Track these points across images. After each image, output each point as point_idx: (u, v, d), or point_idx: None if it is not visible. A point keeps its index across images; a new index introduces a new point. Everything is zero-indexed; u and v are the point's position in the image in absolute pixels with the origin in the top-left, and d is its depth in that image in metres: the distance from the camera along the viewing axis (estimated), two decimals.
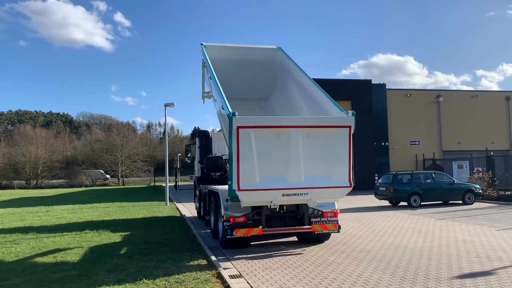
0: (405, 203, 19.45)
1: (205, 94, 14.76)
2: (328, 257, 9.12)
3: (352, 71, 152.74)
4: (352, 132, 9.43)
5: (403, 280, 7.17)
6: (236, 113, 8.88)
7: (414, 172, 20.38)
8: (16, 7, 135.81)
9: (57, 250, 10.10)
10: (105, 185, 71.38)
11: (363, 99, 33.83)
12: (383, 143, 34.44)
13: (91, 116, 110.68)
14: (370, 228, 13.03)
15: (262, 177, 8.94)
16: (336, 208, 10.43)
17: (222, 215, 9.97)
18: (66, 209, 20.89)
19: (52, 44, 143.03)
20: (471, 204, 19.65)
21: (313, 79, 12.16)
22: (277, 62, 14.13)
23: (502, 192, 22.19)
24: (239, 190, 8.75)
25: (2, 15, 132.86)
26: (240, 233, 9.56)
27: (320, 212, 10.22)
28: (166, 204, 22.51)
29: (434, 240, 10.75)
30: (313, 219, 10.17)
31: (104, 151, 74.23)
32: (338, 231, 10.38)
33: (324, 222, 10.19)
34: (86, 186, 67.90)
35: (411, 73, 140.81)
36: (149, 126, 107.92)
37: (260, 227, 9.68)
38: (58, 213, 18.77)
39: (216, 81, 10.98)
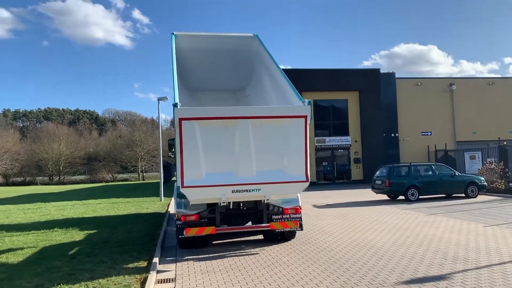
0: (403, 197, 18.49)
1: None
2: (282, 257, 8.48)
3: (374, 61, 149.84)
4: (308, 122, 8.73)
5: (344, 284, 6.48)
6: (179, 103, 8.31)
7: (412, 164, 19.31)
8: (38, 8, 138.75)
9: (9, 250, 9.78)
10: (126, 180, 72.31)
11: (372, 89, 32.71)
12: (392, 134, 33.19)
13: (116, 112, 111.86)
14: (348, 225, 12.26)
15: (209, 173, 8.36)
16: (299, 205, 9.74)
17: (175, 213, 9.45)
18: (57, 206, 20.79)
19: (74, 43, 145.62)
20: (475, 197, 18.51)
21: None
22: (253, 51, 13.41)
23: None
24: (182, 187, 8.21)
25: (26, 16, 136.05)
26: (191, 232, 8.99)
27: (280, 209, 9.56)
28: (160, 200, 22.17)
29: (409, 238, 9.94)
30: (274, 217, 9.52)
31: (124, 147, 75.05)
32: (301, 229, 9.69)
33: (284, 220, 9.52)
34: (106, 181, 68.87)
35: (435, 62, 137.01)
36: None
37: (213, 226, 9.12)
38: (46, 211, 18.64)
39: (173, 69, 10.38)
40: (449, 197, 19.13)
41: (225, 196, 8.50)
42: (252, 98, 13.08)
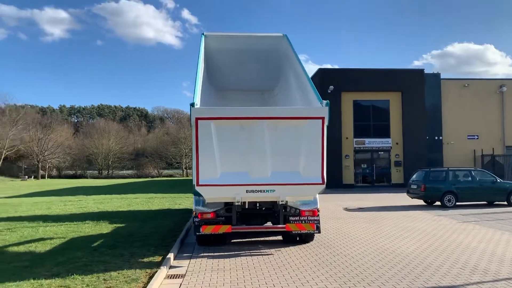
0: (440, 203, 17.80)
1: None
2: (294, 260, 8.42)
3: (425, 61, 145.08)
4: (326, 124, 8.61)
5: None
6: (196, 103, 8.48)
7: (450, 168, 18.55)
8: (93, 9, 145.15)
9: (40, 240, 10.36)
10: (171, 176, 74.30)
11: (415, 90, 31.66)
12: (436, 137, 31.99)
13: (165, 110, 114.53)
14: (374, 229, 11.98)
15: (224, 172, 8.49)
16: (317, 207, 9.64)
17: (193, 210, 9.63)
18: (96, 199, 21.71)
19: (126, 43, 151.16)
20: None
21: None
22: (282, 51, 13.38)
23: None
24: (197, 185, 8.41)
25: (82, 17, 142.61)
26: (207, 230, 9.15)
27: (297, 211, 9.50)
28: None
29: (432, 246, 9.59)
30: (291, 218, 9.48)
31: (170, 143, 77.02)
32: (318, 232, 9.60)
33: (301, 222, 9.46)
34: (152, 176, 71.04)
35: (492, 62, 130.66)
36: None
37: (230, 224, 9.22)
38: (84, 203, 19.52)
39: (197, 69, 10.55)
40: (490, 204, 18.23)
41: (239, 196, 8.59)
42: (279, 99, 13.06)
